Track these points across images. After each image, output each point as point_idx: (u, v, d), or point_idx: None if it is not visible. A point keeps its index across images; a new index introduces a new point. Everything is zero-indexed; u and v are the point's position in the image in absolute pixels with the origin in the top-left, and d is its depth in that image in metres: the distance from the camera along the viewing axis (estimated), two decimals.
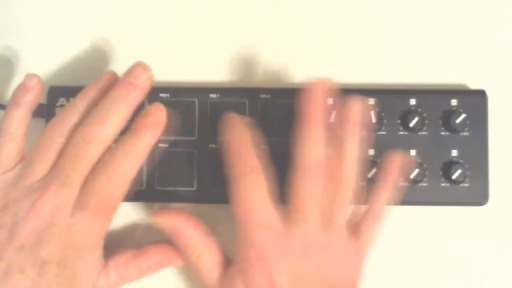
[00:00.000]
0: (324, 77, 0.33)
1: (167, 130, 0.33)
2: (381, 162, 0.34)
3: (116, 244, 0.34)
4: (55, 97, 0.36)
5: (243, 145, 0.32)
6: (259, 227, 0.31)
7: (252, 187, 0.31)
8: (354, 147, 0.32)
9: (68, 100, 0.36)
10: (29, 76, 0.34)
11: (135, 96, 0.32)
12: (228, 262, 0.33)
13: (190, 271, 0.37)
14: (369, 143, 0.35)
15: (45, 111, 0.36)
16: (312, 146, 0.32)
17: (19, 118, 0.33)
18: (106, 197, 0.31)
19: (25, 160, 0.32)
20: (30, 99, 0.33)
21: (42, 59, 0.39)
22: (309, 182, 0.31)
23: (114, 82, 0.33)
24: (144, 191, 0.35)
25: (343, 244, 0.32)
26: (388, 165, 0.34)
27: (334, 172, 0.32)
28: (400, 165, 0.34)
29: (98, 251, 0.32)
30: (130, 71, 0.32)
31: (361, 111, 0.33)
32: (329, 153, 0.32)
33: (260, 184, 0.31)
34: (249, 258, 0.31)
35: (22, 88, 0.33)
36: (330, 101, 0.34)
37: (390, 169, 0.34)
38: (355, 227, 0.33)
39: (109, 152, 0.31)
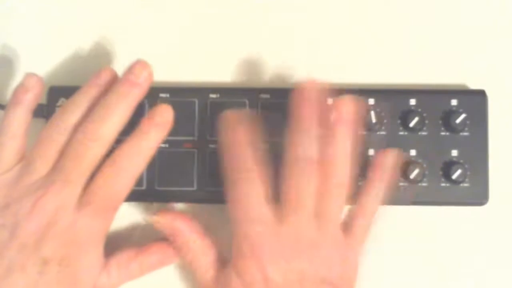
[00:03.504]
0: (316, 78, 0.33)
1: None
2: (372, 159, 0.34)
3: (115, 244, 0.34)
4: (55, 97, 0.36)
5: (238, 145, 0.32)
6: (252, 222, 0.31)
7: (246, 185, 0.31)
8: (345, 144, 0.32)
9: None
10: (28, 76, 0.34)
11: (135, 94, 0.32)
12: (224, 262, 0.33)
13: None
14: (364, 142, 0.35)
15: (45, 111, 0.36)
16: (303, 141, 0.32)
17: (20, 117, 0.33)
18: (111, 195, 0.31)
19: (25, 159, 0.32)
20: (30, 98, 0.33)
21: (42, 59, 0.39)
22: (299, 175, 0.31)
23: (112, 79, 0.33)
24: (144, 191, 0.35)
25: (336, 239, 0.32)
26: (378, 161, 0.34)
27: (325, 168, 0.32)
28: (391, 161, 0.34)
29: (100, 249, 0.32)
30: (130, 69, 0.33)
31: (353, 109, 0.32)
32: (321, 151, 0.32)
33: (254, 183, 0.31)
34: (243, 254, 0.31)
35: (21, 87, 0.33)
36: (330, 101, 0.34)
37: (380, 165, 0.34)
38: (348, 224, 0.33)
39: (115, 150, 0.32)
